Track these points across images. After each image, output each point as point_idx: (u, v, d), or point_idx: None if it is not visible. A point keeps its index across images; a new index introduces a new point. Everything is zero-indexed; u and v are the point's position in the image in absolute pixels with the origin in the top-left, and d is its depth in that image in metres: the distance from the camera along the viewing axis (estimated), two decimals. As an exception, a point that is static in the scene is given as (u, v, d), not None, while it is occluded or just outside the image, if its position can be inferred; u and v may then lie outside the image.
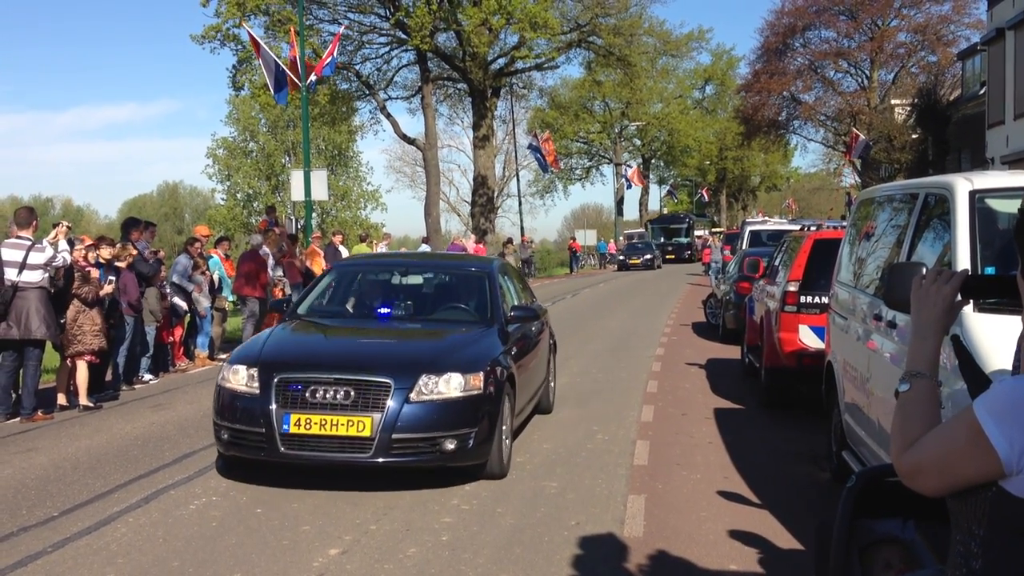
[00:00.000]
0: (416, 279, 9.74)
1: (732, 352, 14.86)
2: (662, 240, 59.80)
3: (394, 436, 6.68)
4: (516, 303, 9.17)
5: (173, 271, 14.38)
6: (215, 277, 15.34)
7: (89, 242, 11.42)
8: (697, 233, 63.63)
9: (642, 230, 65.96)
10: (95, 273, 11.01)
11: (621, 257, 52.05)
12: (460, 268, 9.95)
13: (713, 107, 78.16)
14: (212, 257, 15.97)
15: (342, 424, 6.69)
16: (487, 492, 7.02)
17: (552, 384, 10.22)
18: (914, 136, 42.53)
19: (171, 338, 14.15)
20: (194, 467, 7.91)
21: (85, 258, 11.03)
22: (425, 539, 5.93)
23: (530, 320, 8.83)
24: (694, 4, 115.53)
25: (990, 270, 4.86)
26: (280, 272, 17.09)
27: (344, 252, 21.72)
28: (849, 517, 2.44)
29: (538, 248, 59.88)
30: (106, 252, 11.53)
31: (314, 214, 32.21)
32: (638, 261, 49.84)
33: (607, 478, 7.46)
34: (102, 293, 10.98)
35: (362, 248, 22.90)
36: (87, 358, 10.72)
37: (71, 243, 10.95)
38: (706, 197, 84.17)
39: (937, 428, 1.85)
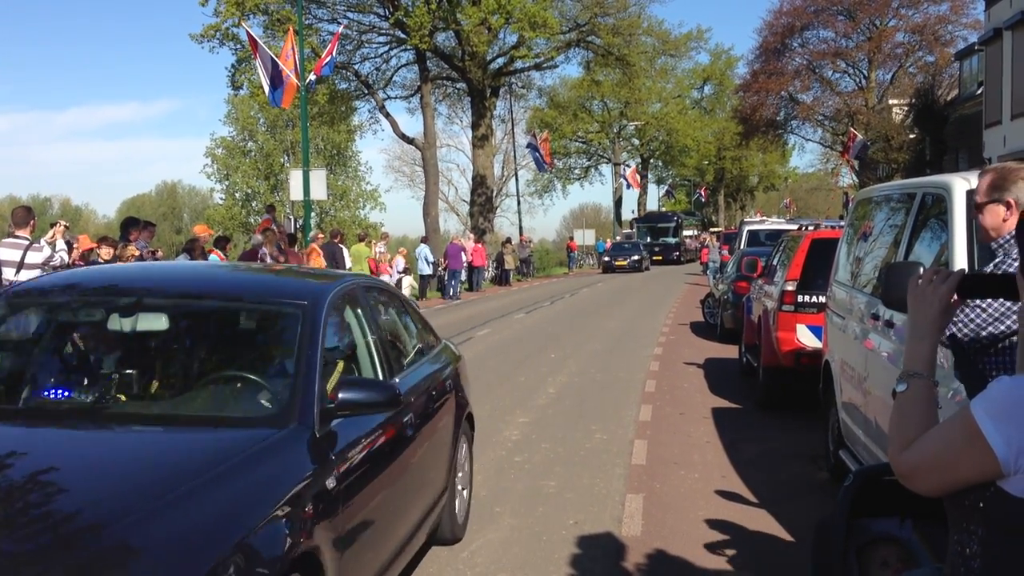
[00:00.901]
0: (156, 322, 4.54)
1: (730, 352, 14.86)
2: (648, 240, 56.16)
3: None
4: (358, 374, 4.64)
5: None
6: None
7: (89, 244, 11.42)
8: (686, 233, 60.76)
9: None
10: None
11: (607, 258, 48.31)
12: (250, 300, 4.79)
13: (711, 107, 78.24)
14: (212, 257, 16.00)
15: None
16: (485, 492, 7.02)
17: (462, 490, 6.02)
18: (912, 136, 42.59)
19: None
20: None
21: (81, 258, 11.05)
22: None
23: (381, 408, 4.18)
24: (693, 4, 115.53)
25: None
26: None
27: (346, 252, 21.73)
28: (846, 516, 2.45)
29: (537, 248, 59.81)
30: (105, 253, 11.55)
31: (313, 214, 32.22)
32: (625, 263, 46.52)
33: (605, 477, 7.47)
34: None
35: (361, 248, 22.89)
36: None
37: (68, 243, 10.96)
38: (704, 197, 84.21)
39: (934, 428, 1.85)
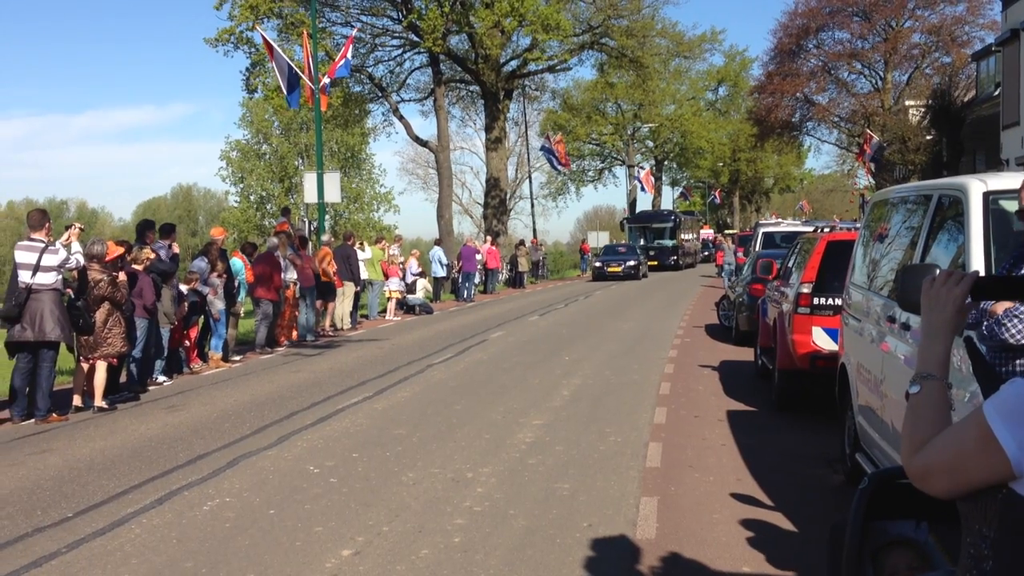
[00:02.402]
0: None
1: (745, 354, 14.82)
2: (642, 242, 49.52)
3: None
4: None
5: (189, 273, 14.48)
6: (236, 282, 15.44)
7: (115, 251, 11.41)
8: (685, 236, 54.07)
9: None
10: (122, 277, 11.08)
11: (597, 264, 42.38)
12: None
13: (726, 109, 78.07)
14: (235, 261, 16.13)
15: None
16: (499, 494, 7.02)
17: None
18: (928, 137, 42.35)
19: (186, 340, 14.22)
20: (208, 468, 7.95)
21: (112, 262, 11.11)
22: (437, 541, 5.94)
23: None
24: (707, 5, 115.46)
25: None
26: (293, 275, 17.20)
27: (361, 255, 21.70)
28: (862, 519, 2.43)
29: (551, 250, 59.68)
30: (129, 257, 11.67)
31: (327, 216, 32.27)
32: (619, 269, 40.70)
33: (619, 480, 7.45)
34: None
35: (376, 251, 22.91)
36: (111, 360, 10.87)
37: (85, 245, 11.01)
38: (719, 199, 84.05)
39: (947, 430, 1.84)
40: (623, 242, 48.87)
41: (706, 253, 59.98)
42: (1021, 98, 29.56)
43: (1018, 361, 3.98)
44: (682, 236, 52.45)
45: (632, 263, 41.21)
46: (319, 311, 18.86)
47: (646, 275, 42.25)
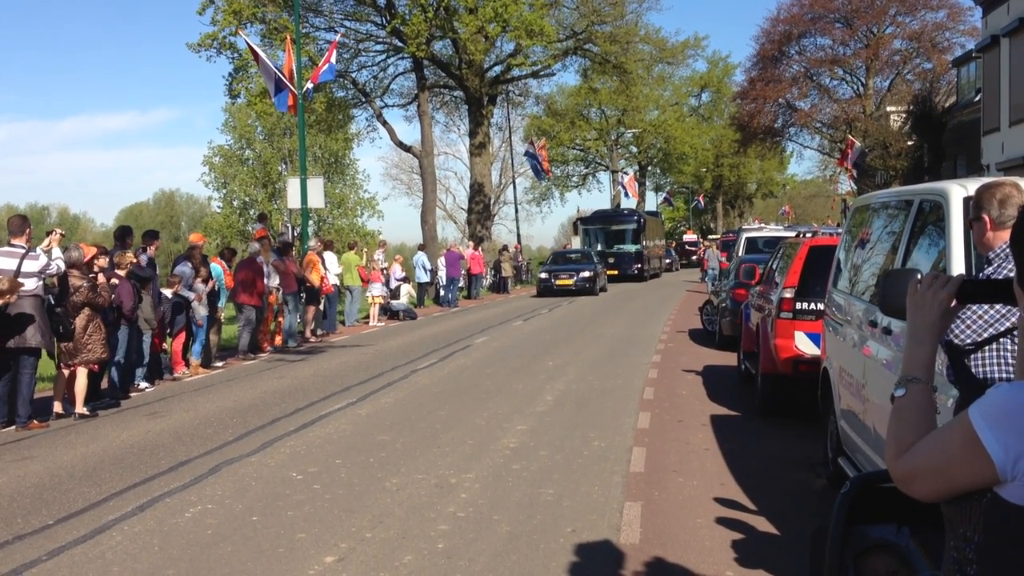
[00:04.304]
0: None
1: (729, 359, 14.85)
2: (599, 247, 42.18)
3: None
4: None
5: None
6: (216, 287, 15.36)
7: (89, 251, 11.35)
8: (650, 241, 46.12)
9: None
10: (102, 279, 11.02)
11: (543, 275, 34.80)
12: None
13: (709, 114, 78.37)
14: (215, 266, 16.04)
15: None
16: (483, 500, 7.00)
17: None
18: (910, 143, 42.64)
19: (167, 346, 14.15)
20: (190, 475, 7.90)
21: (88, 266, 11.04)
22: (421, 547, 5.92)
23: None
24: (690, 11, 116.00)
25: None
26: (276, 281, 17.14)
27: (334, 259, 21.59)
28: (843, 523, 2.44)
29: (535, 255, 59.69)
30: (102, 261, 11.53)
31: (311, 222, 32.16)
32: (570, 282, 33.35)
33: (603, 485, 7.45)
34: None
35: (351, 257, 22.76)
36: (91, 366, 10.79)
37: (64, 251, 10.93)
38: (702, 204, 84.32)
39: (932, 433, 1.84)
40: (576, 247, 42.19)
41: (668, 260, 55.13)
42: (1001, 103, 29.79)
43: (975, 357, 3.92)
44: (646, 240, 45.03)
45: (587, 274, 33.85)
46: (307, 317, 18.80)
47: (604, 288, 35.71)
